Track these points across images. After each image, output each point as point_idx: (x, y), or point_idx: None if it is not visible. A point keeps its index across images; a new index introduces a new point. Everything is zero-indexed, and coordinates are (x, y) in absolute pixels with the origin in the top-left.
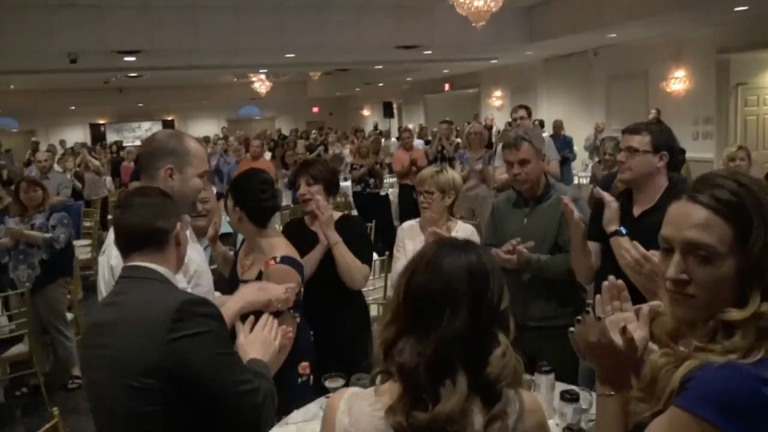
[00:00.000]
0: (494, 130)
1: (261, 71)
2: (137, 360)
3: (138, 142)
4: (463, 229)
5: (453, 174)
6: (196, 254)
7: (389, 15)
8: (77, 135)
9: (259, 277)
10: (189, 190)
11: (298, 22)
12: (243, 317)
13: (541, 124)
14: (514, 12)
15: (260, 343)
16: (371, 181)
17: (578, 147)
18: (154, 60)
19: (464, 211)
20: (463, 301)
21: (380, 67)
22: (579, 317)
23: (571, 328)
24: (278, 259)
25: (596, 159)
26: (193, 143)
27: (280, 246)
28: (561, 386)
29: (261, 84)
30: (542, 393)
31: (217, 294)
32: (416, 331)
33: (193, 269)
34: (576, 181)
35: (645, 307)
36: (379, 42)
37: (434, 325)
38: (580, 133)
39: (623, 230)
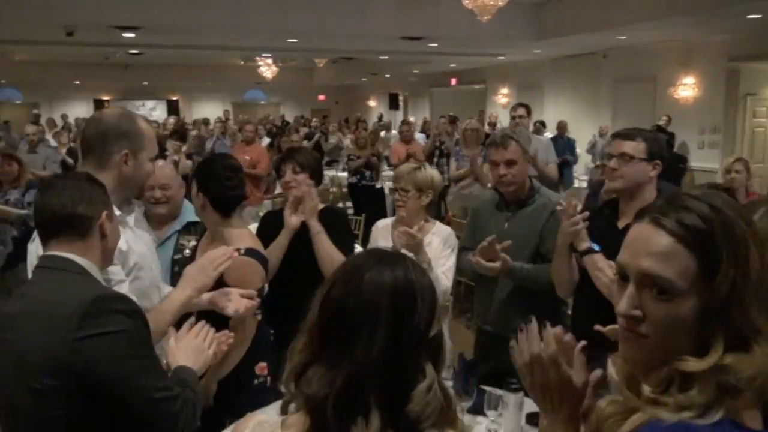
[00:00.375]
0: (498, 127)
1: (264, 54)
2: (40, 359)
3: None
4: (440, 231)
5: (432, 172)
6: (141, 245)
7: (394, 3)
8: (81, 110)
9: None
10: (141, 175)
11: (301, 5)
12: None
13: (543, 124)
14: (523, 8)
15: (191, 350)
16: (367, 173)
17: (581, 150)
18: (154, 37)
19: (457, 210)
20: (382, 324)
21: (386, 57)
22: (521, 326)
23: (512, 342)
24: (242, 251)
25: (596, 163)
26: (144, 124)
27: (243, 237)
28: (530, 405)
29: (267, 68)
30: (509, 412)
31: (167, 287)
32: (328, 357)
33: (133, 261)
34: (576, 185)
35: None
36: (384, 31)
37: (347, 352)
38: (584, 136)
39: (596, 247)
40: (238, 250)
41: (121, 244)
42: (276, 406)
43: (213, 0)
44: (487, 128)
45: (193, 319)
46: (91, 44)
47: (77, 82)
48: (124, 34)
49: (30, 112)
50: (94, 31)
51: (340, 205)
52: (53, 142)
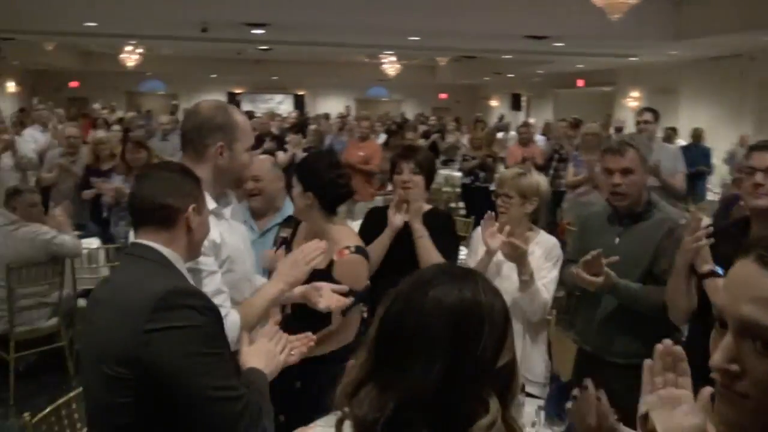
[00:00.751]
0: (624, 132)
1: (386, 52)
2: (112, 346)
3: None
4: (543, 241)
5: (538, 178)
6: (235, 238)
7: (518, 2)
8: None
9: (330, 266)
10: (237, 167)
11: (425, 3)
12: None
13: (674, 131)
14: (659, 5)
15: (263, 354)
16: (481, 174)
17: (718, 160)
18: (281, 34)
19: (573, 218)
20: (441, 348)
21: (509, 56)
22: (575, 392)
23: (569, 404)
24: (352, 249)
25: (734, 176)
26: (239, 116)
27: (350, 235)
28: None
29: (390, 66)
30: None
31: (260, 278)
32: (381, 378)
33: (225, 254)
34: (709, 197)
35: (708, 389)
36: (507, 30)
37: (402, 375)
38: (722, 145)
39: (719, 270)
40: (348, 247)
41: (215, 236)
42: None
43: None
44: (612, 133)
45: (278, 317)
46: (223, 40)
47: (213, 76)
48: (254, 31)
49: (170, 103)
50: (226, 28)
51: (453, 205)
52: None
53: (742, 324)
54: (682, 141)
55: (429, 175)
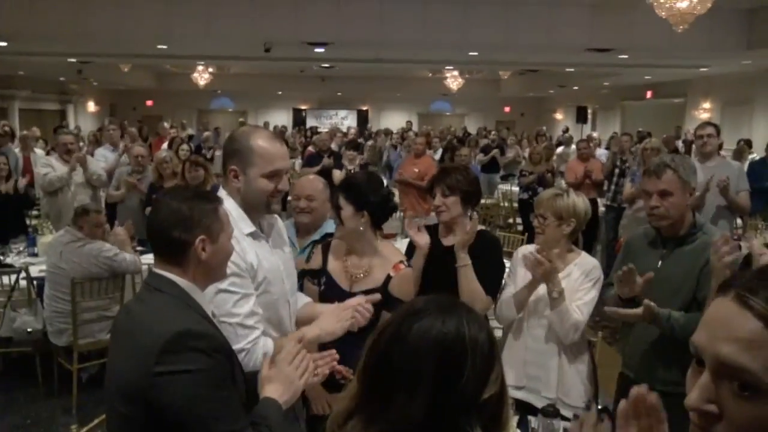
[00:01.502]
0: (694, 146)
1: (447, 67)
2: (124, 384)
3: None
4: (583, 263)
5: (576, 200)
6: (275, 259)
7: (582, 14)
8: (281, 118)
9: (387, 281)
10: (252, 192)
11: (484, 18)
12: None
13: (748, 144)
14: (730, 15)
15: (280, 381)
16: (539, 189)
17: None
18: (343, 52)
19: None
20: (424, 382)
21: (572, 69)
22: (577, 414)
23: (569, 424)
24: (406, 264)
25: None
26: (261, 141)
27: (397, 250)
28: None
29: (453, 80)
30: None
31: (304, 298)
32: (366, 411)
33: (262, 276)
34: None
35: None
36: (570, 43)
37: (385, 408)
38: None
39: None
40: (402, 262)
41: (252, 258)
42: None
43: (399, 14)
44: (680, 146)
45: (301, 335)
46: (286, 59)
47: (279, 93)
48: (316, 50)
49: (238, 120)
50: (289, 47)
51: (510, 221)
52: None
53: (720, 364)
54: (756, 155)
55: (465, 194)
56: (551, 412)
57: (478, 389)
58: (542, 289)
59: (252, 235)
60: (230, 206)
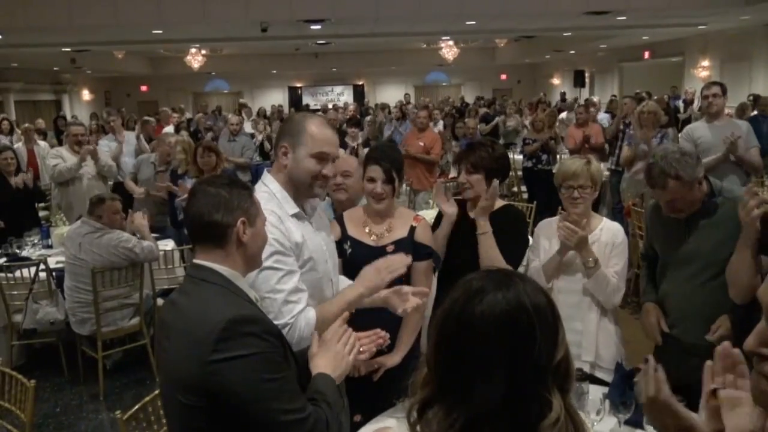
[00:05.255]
0: (695, 105)
1: (444, 38)
2: (182, 375)
3: (330, 106)
4: (608, 227)
5: (599, 165)
6: (318, 239)
7: None
8: (277, 97)
9: (412, 232)
10: (300, 171)
11: None
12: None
13: (756, 99)
14: None
15: (331, 357)
16: (543, 157)
17: None
18: (339, 28)
19: (633, 197)
20: (499, 364)
21: (569, 34)
22: (640, 365)
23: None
24: (421, 215)
25: None
26: (313, 126)
27: (408, 210)
28: None
29: (448, 50)
30: None
31: (344, 279)
32: (446, 400)
33: (308, 254)
34: None
35: None
36: (567, 7)
37: (465, 396)
38: None
39: None
40: (418, 215)
41: (297, 237)
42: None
43: None
44: (681, 105)
45: (346, 314)
46: (283, 38)
47: (274, 72)
48: (312, 27)
49: (235, 101)
50: (285, 26)
51: (515, 189)
52: (249, 129)
53: None
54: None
55: (490, 171)
56: (580, 376)
57: (550, 354)
58: (569, 255)
59: (296, 215)
60: (275, 188)
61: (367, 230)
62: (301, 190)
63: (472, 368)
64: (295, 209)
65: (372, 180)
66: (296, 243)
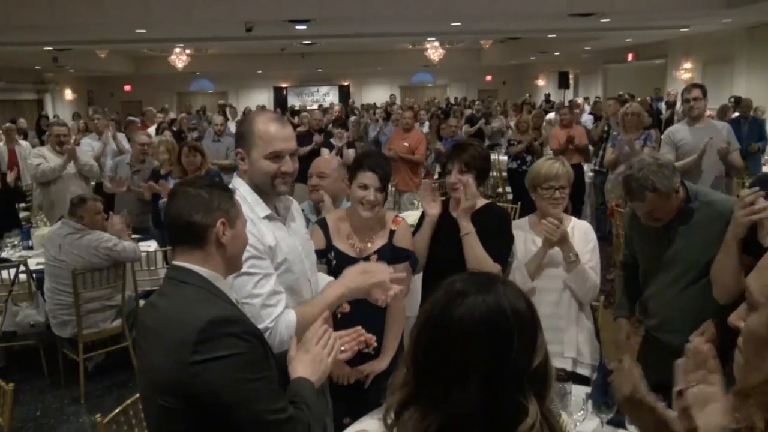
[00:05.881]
0: (677, 107)
1: (429, 39)
2: (161, 378)
3: (315, 106)
4: (578, 225)
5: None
6: (294, 240)
7: None
8: (263, 98)
9: (392, 236)
10: (259, 173)
11: None
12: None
13: (737, 101)
14: None
15: (310, 360)
16: (528, 158)
17: None
18: (324, 28)
19: (617, 198)
20: (476, 368)
21: (554, 35)
22: (618, 360)
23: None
24: (401, 217)
25: None
26: (261, 125)
27: (388, 211)
28: None
29: (434, 51)
30: None
31: (323, 276)
32: (422, 402)
33: (282, 256)
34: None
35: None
36: (551, 9)
37: (441, 399)
38: None
39: None
40: (398, 216)
41: (269, 240)
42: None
43: None
44: (663, 107)
45: (327, 314)
46: (268, 38)
47: (259, 72)
48: (298, 27)
49: (218, 101)
50: (270, 26)
51: (500, 190)
52: (234, 129)
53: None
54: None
55: (480, 171)
56: (562, 376)
57: (528, 360)
58: (549, 254)
59: (268, 217)
60: (245, 191)
61: (350, 242)
62: (266, 191)
63: (449, 371)
64: (267, 211)
65: (365, 187)
66: (270, 246)
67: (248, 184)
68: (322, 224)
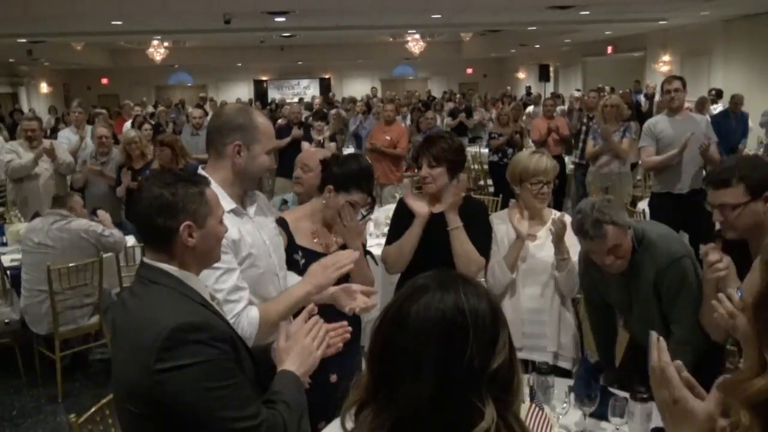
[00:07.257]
0: (656, 99)
1: (409, 31)
2: (129, 384)
3: (296, 99)
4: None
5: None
6: (259, 234)
7: None
8: (242, 91)
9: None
10: (255, 167)
11: None
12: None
13: (718, 94)
14: None
15: (298, 352)
16: (509, 150)
17: (754, 123)
18: (303, 20)
19: (598, 190)
20: (428, 363)
21: (533, 28)
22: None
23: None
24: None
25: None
26: (261, 119)
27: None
28: (658, 417)
29: (415, 44)
30: (635, 422)
31: (291, 275)
32: (377, 401)
33: (246, 251)
34: None
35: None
36: (531, 1)
37: (393, 397)
38: (759, 107)
39: (740, 293)
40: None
41: (234, 234)
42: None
43: None
44: (643, 100)
45: (313, 306)
46: (247, 30)
47: (239, 65)
48: (276, 19)
49: (198, 95)
50: (249, 18)
51: (481, 183)
52: None
53: None
54: (720, 107)
55: (451, 164)
56: (545, 369)
57: (484, 361)
58: (530, 248)
59: (234, 211)
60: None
61: (316, 240)
62: (249, 184)
63: (402, 365)
64: (232, 205)
65: (354, 204)
66: (233, 240)
67: (217, 178)
68: (281, 223)
